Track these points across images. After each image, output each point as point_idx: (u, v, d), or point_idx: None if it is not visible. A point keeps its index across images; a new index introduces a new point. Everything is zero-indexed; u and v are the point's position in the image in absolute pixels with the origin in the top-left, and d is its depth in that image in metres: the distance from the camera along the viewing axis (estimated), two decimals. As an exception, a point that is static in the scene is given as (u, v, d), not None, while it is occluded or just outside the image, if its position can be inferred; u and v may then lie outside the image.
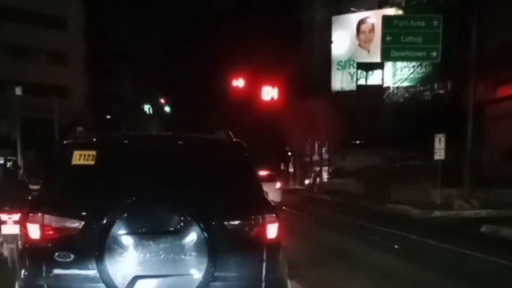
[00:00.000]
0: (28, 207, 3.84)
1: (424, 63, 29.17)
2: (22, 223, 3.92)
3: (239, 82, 32.72)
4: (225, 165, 4.14)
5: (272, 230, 3.84)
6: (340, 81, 35.50)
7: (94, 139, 4.20)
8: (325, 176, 44.59)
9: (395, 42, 22.17)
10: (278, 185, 20.99)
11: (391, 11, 31.38)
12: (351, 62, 34.49)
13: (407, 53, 22.61)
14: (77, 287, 3.56)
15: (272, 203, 4.20)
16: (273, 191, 16.61)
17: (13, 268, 3.89)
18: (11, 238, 7.48)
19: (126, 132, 15.24)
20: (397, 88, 32.52)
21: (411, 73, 31.39)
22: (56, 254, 3.55)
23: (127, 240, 3.54)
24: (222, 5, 54.93)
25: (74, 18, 40.55)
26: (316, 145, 45.92)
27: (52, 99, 33.06)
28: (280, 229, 3.90)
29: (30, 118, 33.77)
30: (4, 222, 7.62)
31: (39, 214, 3.63)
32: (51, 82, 37.65)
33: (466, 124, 18.86)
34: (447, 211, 17.56)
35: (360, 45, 34.63)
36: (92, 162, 3.83)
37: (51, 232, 3.61)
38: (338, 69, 35.53)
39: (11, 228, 7.57)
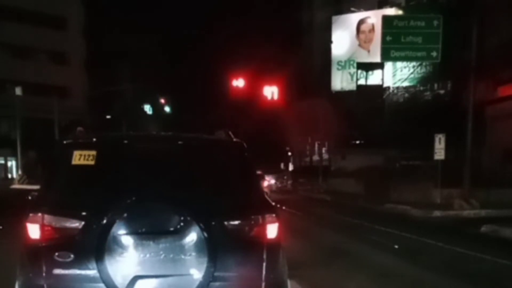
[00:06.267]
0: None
1: (424, 63, 29.15)
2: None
3: (239, 82, 32.66)
4: (225, 165, 4.14)
5: (272, 230, 3.84)
6: (340, 81, 35.46)
7: (94, 139, 4.21)
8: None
9: (395, 42, 22.18)
10: (265, 183, 23.45)
11: (391, 11, 31.35)
12: (351, 62, 34.44)
13: (407, 53, 22.61)
14: (77, 287, 3.57)
15: (273, 203, 4.20)
16: None
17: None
18: None
19: (126, 132, 15.24)
20: (397, 88, 32.47)
21: (411, 73, 31.37)
22: (56, 254, 3.55)
23: (127, 240, 3.54)
24: (222, 5, 55.03)
25: (74, 18, 40.62)
26: (316, 145, 45.90)
27: (52, 99, 33.07)
28: (280, 229, 3.90)
29: (30, 118, 33.81)
30: None
31: (39, 214, 3.63)
32: (51, 82, 37.73)
33: (466, 124, 18.83)
34: (447, 211, 17.54)
35: (360, 45, 34.58)
36: (92, 162, 3.83)
37: (51, 232, 3.61)
38: (338, 69, 35.49)
39: None
